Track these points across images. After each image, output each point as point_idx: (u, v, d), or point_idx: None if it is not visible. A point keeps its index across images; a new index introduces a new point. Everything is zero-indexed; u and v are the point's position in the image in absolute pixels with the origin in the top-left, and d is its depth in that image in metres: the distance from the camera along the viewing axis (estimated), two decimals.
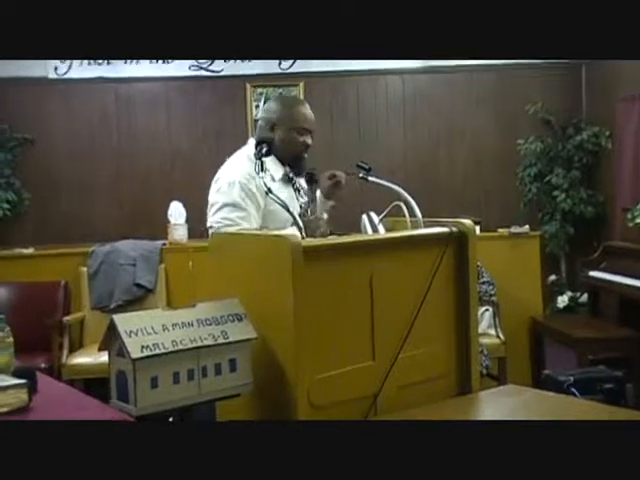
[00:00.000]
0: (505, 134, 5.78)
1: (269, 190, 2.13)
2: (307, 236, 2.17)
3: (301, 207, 2.50)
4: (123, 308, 4.18)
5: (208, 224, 2.47)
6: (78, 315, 4.34)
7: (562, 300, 5.24)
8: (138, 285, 4.39)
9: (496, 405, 2.01)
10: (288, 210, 2.12)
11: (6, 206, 5.22)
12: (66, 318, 4.17)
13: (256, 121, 5.71)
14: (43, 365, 3.79)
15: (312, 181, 2.49)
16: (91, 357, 3.96)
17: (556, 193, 5.43)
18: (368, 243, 2.04)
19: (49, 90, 5.57)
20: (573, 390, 3.21)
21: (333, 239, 2.11)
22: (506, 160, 5.74)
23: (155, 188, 5.63)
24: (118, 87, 5.67)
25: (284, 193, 2.47)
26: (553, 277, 5.50)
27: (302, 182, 2.57)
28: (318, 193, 2.58)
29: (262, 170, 2.17)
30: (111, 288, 4.37)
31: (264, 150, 2.21)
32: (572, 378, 3.29)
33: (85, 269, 4.45)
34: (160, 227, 4.81)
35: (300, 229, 2.12)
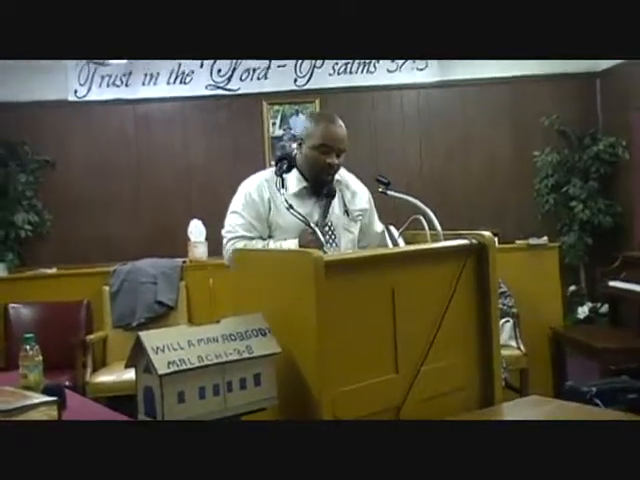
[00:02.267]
0: (520, 146, 5.79)
1: (290, 206, 2.16)
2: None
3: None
4: (145, 326, 4.21)
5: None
6: (101, 334, 4.39)
7: (582, 311, 5.22)
8: (159, 303, 4.42)
9: (520, 417, 2.01)
10: (309, 225, 2.14)
11: (29, 227, 5.31)
12: (89, 337, 4.22)
13: (273, 138, 5.82)
14: (67, 383, 3.80)
15: (329, 195, 2.48)
16: (114, 375, 4.00)
17: (574, 204, 5.43)
18: (389, 256, 2.06)
19: (69, 113, 5.67)
20: (596, 401, 3.19)
21: (354, 253, 2.12)
22: (522, 172, 5.75)
23: (174, 206, 5.70)
24: (136, 108, 5.77)
25: (300, 209, 2.49)
26: (573, 288, 5.49)
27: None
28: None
29: (283, 187, 2.19)
30: (133, 306, 4.41)
31: (284, 167, 2.24)
32: (595, 389, 3.27)
33: (107, 288, 4.49)
34: (180, 245, 4.85)
35: (321, 244, 2.14)
